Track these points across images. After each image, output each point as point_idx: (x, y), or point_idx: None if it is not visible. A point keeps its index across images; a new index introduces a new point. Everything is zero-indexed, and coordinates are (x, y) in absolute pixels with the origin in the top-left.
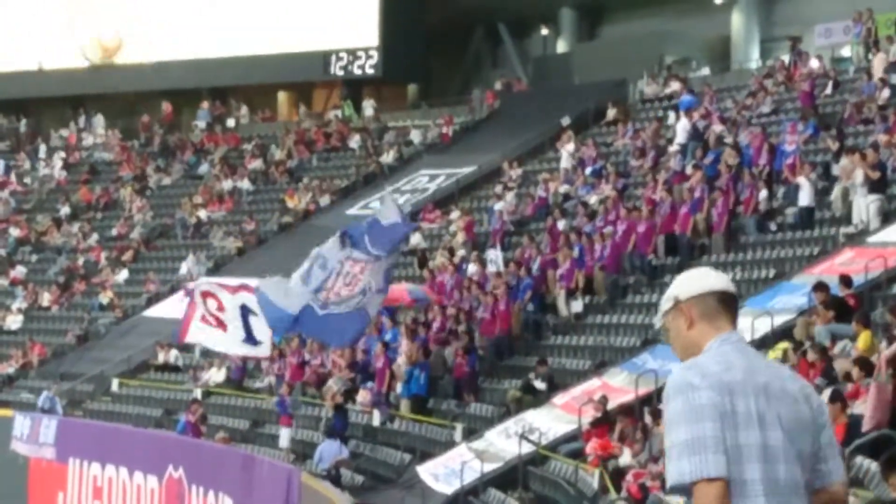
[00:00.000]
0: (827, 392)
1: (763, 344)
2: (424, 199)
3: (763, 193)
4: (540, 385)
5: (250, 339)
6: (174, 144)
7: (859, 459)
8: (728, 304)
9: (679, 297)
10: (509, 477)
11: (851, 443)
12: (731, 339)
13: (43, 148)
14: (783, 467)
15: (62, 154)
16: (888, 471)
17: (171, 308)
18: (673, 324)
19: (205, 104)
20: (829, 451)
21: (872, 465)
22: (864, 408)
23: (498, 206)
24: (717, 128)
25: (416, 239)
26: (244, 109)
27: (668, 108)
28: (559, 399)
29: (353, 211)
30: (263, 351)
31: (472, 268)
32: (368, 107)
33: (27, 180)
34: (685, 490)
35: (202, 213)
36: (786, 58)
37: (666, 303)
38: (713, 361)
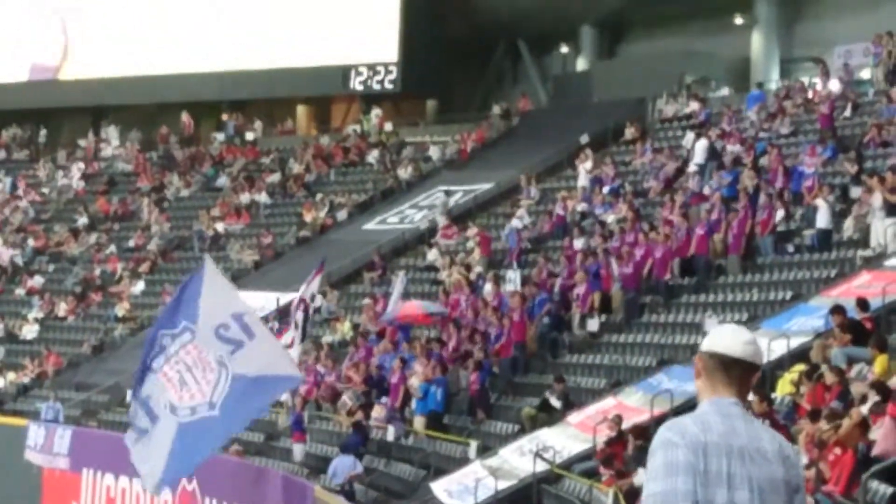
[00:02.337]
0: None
1: (779, 366)
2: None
3: (780, 214)
4: (556, 402)
5: None
6: (187, 156)
7: (875, 484)
8: (728, 369)
9: (701, 347)
10: (523, 495)
11: (869, 467)
12: (719, 404)
13: (61, 157)
14: None
15: (80, 164)
16: None
17: None
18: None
19: (225, 116)
20: None
21: (889, 490)
22: (878, 434)
23: (512, 223)
24: (735, 148)
25: (432, 255)
26: (257, 123)
27: (686, 127)
28: (574, 417)
29: (369, 226)
30: None
31: (487, 287)
32: (374, 116)
33: (45, 190)
34: None
35: (219, 226)
36: (805, 79)
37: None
38: (692, 422)
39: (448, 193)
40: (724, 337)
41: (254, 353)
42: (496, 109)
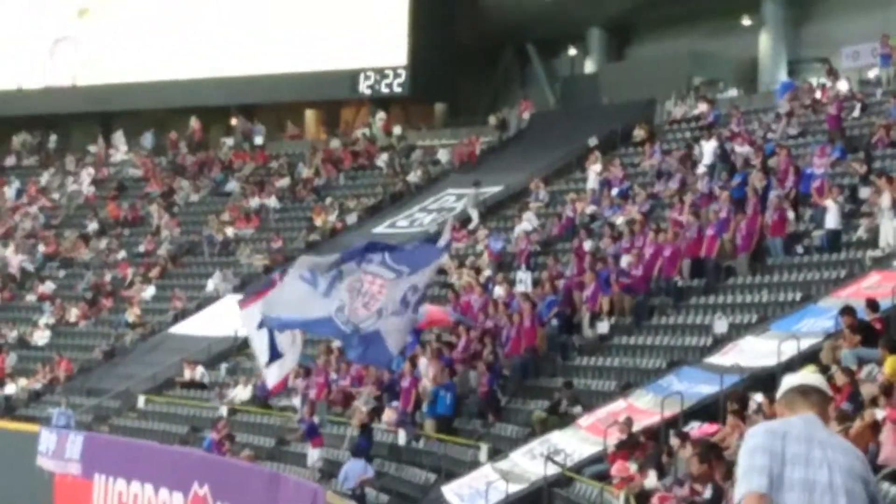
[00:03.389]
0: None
1: (789, 367)
2: (451, 217)
3: (790, 216)
4: (567, 406)
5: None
6: (194, 162)
7: (885, 486)
8: (807, 395)
9: (779, 395)
10: (534, 498)
11: (880, 468)
12: (802, 416)
13: (70, 163)
14: (828, 498)
15: (90, 170)
16: None
17: (197, 325)
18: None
19: (234, 121)
20: None
21: None
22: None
23: (520, 227)
24: (744, 149)
25: (442, 258)
26: (259, 127)
27: (695, 129)
28: (584, 420)
29: (379, 229)
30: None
31: (498, 290)
32: (378, 120)
33: (55, 196)
34: None
35: (229, 231)
36: (814, 80)
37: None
38: (776, 421)
39: (477, 184)
40: (798, 375)
41: (397, 324)
42: (492, 120)
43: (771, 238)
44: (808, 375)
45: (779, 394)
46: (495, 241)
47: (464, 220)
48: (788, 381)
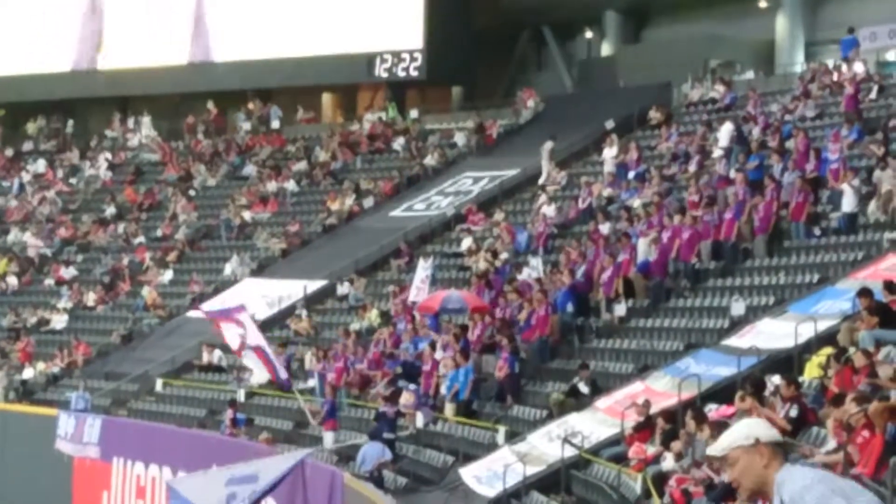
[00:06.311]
0: None
1: (807, 349)
2: (468, 200)
3: (810, 199)
4: (584, 388)
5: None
6: (208, 147)
7: None
8: (781, 448)
9: (760, 438)
10: (552, 480)
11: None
12: (795, 463)
13: (75, 154)
14: None
15: (108, 154)
16: None
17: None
18: (746, 458)
19: (251, 106)
20: None
21: None
22: None
23: (546, 210)
24: (760, 130)
25: (467, 242)
26: (273, 109)
27: (711, 111)
28: (602, 403)
29: (396, 213)
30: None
31: (525, 273)
32: (385, 109)
33: (73, 180)
34: None
35: (246, 215)
36: (830, 62)
37: (744, 440)
38: (827, 478)
39: (553, 138)
40: (762, 426)
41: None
42: (469, 122)
43: (794, 222)
44: (768, 428)
45: (763, 434)
46: (520, 233)
47: (482, 202)
48: (771, 429)
